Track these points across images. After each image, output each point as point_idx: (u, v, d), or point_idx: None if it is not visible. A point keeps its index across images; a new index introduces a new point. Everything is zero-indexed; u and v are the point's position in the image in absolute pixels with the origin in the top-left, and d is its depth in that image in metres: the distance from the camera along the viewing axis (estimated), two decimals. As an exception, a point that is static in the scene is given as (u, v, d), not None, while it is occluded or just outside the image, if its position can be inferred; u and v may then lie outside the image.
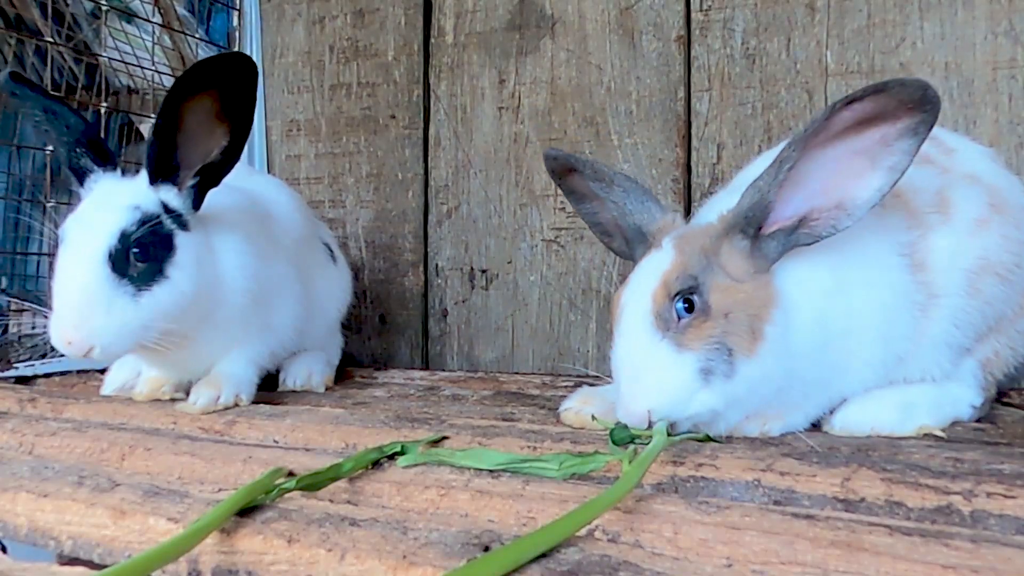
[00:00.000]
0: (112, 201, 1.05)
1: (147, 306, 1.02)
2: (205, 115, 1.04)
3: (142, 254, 1.02)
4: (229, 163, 1.10)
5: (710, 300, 0.86)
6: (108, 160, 1.10)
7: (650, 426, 0.84)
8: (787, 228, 0.87)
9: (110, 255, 1.00)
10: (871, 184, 0.84)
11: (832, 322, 0.89)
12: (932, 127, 0.81)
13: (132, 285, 1.01)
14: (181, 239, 1.07)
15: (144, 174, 1.08)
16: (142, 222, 1.02)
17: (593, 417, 0.96)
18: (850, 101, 0.81)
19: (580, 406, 1.01)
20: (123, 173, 1.11)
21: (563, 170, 1.11)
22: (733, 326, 0.85)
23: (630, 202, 1.03)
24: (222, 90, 1.02)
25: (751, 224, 0.88)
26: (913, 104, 0.80)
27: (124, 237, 1.01)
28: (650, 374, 0.86)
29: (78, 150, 1.09)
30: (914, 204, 0.94)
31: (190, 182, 1.09)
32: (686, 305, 0.86)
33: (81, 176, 1.09)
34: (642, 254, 0.97)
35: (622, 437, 0.83)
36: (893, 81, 0.80)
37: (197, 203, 1.11)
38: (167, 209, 1.07)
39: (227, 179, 1.31)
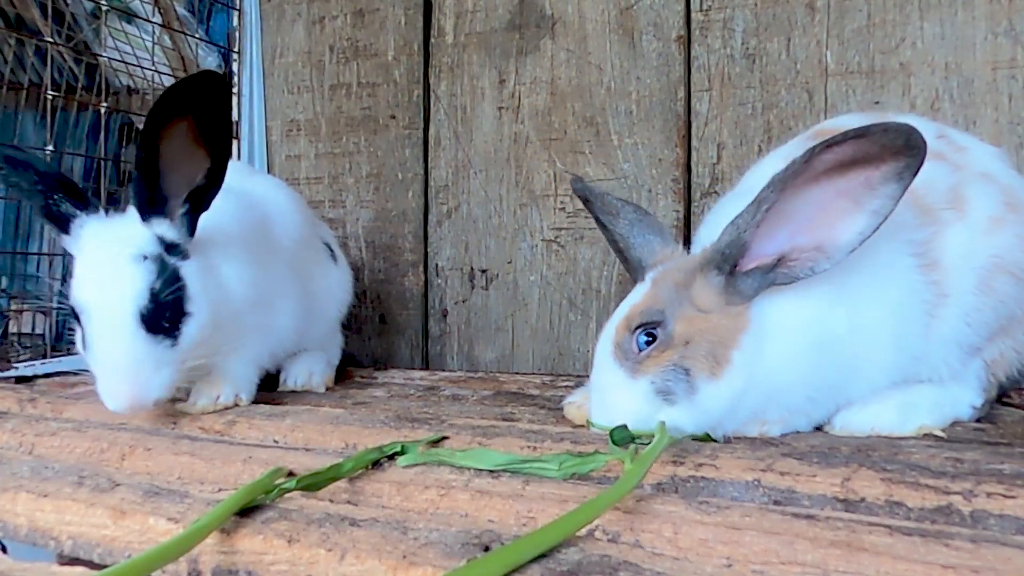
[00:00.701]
0: (117, 254, 1.01)
1: (183, 348, 1.03)
2: (183, 141, 1.00)
3: (169, 304, 1.02)
4: (214, 187, 1.07)
5: (674, 331, 0.88)
6: (86, 202, 1.05)
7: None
8: (765, 267, 0.87)
9: (142, 318, 0.99)
10: (854, 227, 0.83)
11: (833, 331, 0.89)
12: (917, 172, 0.79)
13: (167, 336, 1.01)
14: (186, 270, 1.05)
15: (132, 212, 1.04)
16: (158, 273, 1.01)
17: (588, 422, 0.97)
18: (829, 145, 0.79)
19: (583, 401, 1.03)
20: (106, 212, 1.07)
21: (583, 200, 1.14)
22: (692, 351, 0.87)
23: (633, 235, 1.04)
24: (197, 114, 0.99)
25: (727, 261, 0.88)
26: (896, 149, 0.78)
27: (152, 295, 1.00)
28: (613, 402, 0.90)
29: (56, 196, 1.04)
30: (927, 200, 0.94)
31: (180, 211, 1.06)
32: (648, 338, 0.88)
33: (64, 223, 1.04)
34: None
35: (622, 437, 0.83)
36: (875, 126, 0.78)
37: (192, 230, 1.07)
38: (165, 245, 1.04)
39: (226, 181, 1.31)
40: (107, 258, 1.01)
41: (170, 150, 1.00)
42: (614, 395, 0.90)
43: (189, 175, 1.04)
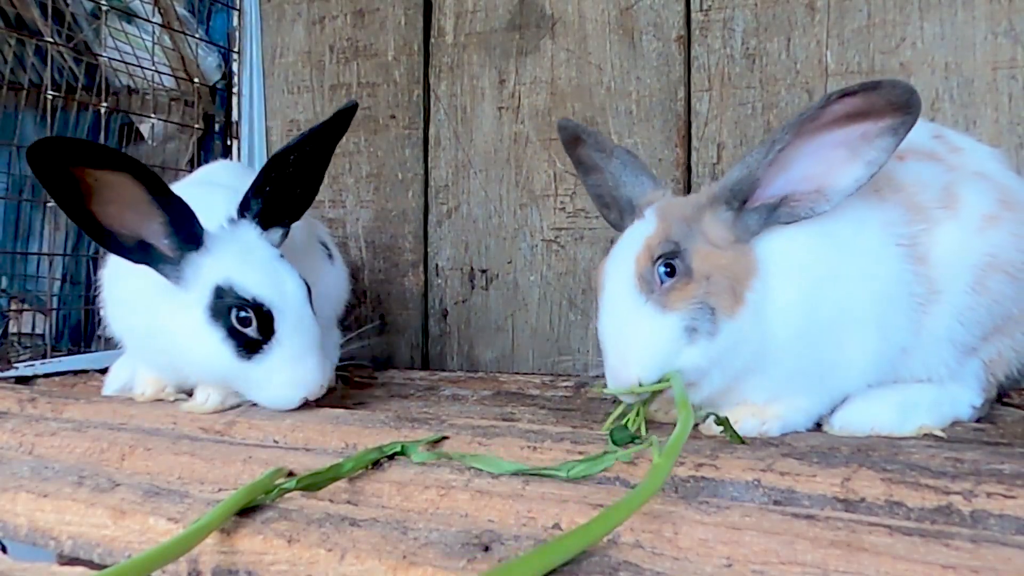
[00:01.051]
0: (272, 256, 1.11)
1: None
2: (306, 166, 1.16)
3: None
4: (311, 199, 1.21)
5: (692, 264, 0.89)
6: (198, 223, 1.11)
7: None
8: (769, 205, 0.91)
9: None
10: (850, 174, 0.88)
11: (821, 308, 0.90)
12: (910, 129, 0.85)
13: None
14: None
15: (245, 223, 1.12)
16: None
17: (600, 389, 0.95)
18: (845, 94, 0.84)
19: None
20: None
21: (571, 139, 1.14)
22: (715, 287, 0.88)
23: (625, 174, 1.06)
24: (327, 142, 1.16)
25: (736, 197, 0.91)
26: (898, 105, 0.84)
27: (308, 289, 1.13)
28: (637, 337, 0.88)
29: (184, 212, 1.05)
30: (918, 199, 0.95)
31: (284, 220, 1.18)
32: (667, 269, 0.89)
33: (198, 238, 1.07)
34: (628, 225, 0.99)
35: (622, 438, 0.83)
36: (886, 80, 0.84)
37: (283, 238, 1.18)
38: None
39: (223, 181, 1.32)
40: (268, 261, 1.10)
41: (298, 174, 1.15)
42: (642, 331, 0.88)
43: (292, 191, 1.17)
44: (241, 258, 1.08)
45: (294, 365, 1.07)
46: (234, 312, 1.04)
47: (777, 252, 0.91)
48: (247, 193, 1.12)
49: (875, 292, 0.91)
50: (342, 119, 1.15)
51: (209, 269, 1.06)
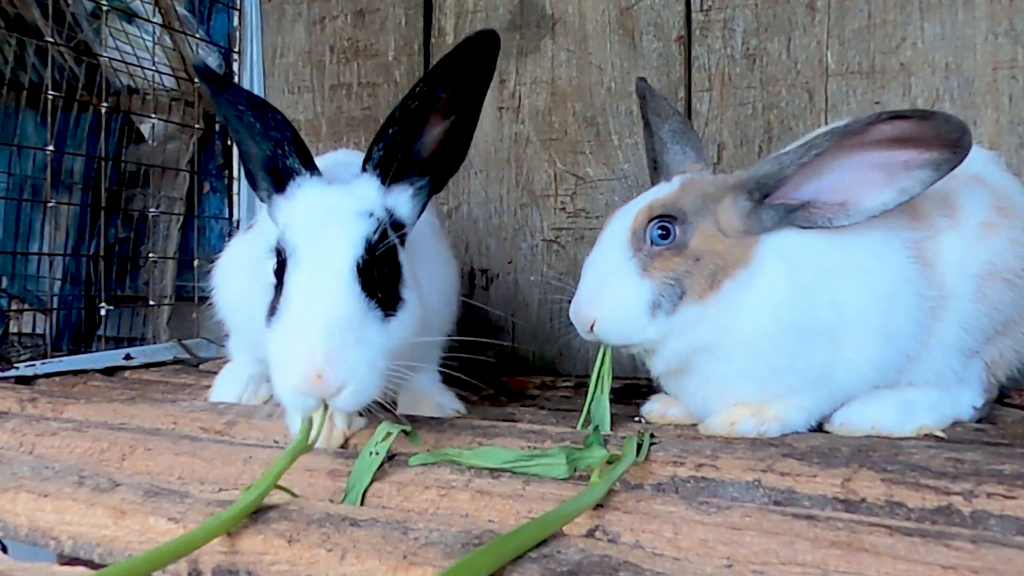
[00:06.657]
0: (344, 208, 0.87)
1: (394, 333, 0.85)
2: (434, 107, 0.91)
3: (386, 272, 0.87)
4: (458, 162, 0.97)
5: (690, 239, 0.90)
6: (311, 164, 0.93)
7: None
8: (790, 205, 0.90)
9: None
10: (879, 197, 0.87)
11: (812, 305, 0.89)
12: (952, 168, 0.84)
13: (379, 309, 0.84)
14: (401, 256, 0.90)
15: (367, 179, 0.92)
16: (382, 233, 0.86)
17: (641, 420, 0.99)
18: (895, 116, 0.83)
19: (663, 409, 1.06)
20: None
21: (640, 98, 1.17)
22: (698, 269, 0.89)
23: (672, 141, 1.08)
24: (461, 79, 0.89)
25: (760, 190, 0.91)
26: (948, 141, 0.83)
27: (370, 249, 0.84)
28: (608, 291, 0.92)
29: (286, 147, 0.91)
30: (921, 205, 0.94)
31: (420, 183, 0.94)
32: (661, 232, 0.90)
33: (283, 179, 0.91)
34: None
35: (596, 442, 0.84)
36: (939, 113, 0.83)
37: (420, 212, 0.96)
38: (392, 220, 0.91)
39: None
40: (336, 206, 0.88)
41: (424, 115, 0.91)
42: (617, 288, 0.91)
43: (430, 146, 0.94)
44: (320, 202, 0.88)
45: (289, 340, 0.78)
46: (272, 265, 0.84)
47: (776, 246, 0.91)
48: (371, 143, 0.92)
49: (875, 290, 0.90)
50: (471, 48, 0.87)
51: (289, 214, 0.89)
